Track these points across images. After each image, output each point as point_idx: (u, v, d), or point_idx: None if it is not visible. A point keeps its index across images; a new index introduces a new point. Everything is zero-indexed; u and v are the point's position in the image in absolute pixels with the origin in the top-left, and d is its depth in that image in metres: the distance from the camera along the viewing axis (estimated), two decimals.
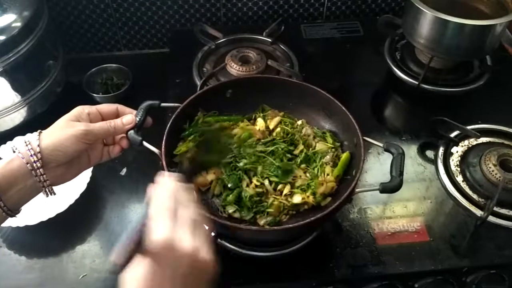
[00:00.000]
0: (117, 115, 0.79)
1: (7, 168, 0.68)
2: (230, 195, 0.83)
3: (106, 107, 0.78)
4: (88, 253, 0.92)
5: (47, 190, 0.72)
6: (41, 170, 0.69)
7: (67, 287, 0.87)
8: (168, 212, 0.56)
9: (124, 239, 0.54)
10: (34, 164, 0.69)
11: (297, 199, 0.83)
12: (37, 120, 0.74)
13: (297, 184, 0.85)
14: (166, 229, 0.54)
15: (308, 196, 0.83)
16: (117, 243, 0.54)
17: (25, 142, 0.70)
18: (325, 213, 0.75)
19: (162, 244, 0.53)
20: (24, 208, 0.91)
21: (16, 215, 0.71)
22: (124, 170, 1.06)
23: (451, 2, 1.17)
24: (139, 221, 0.56)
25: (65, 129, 0.72)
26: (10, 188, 0.68)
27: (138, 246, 0.54)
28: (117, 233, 0.95)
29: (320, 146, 0.91)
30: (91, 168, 0.98)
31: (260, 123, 0.94)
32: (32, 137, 0.71)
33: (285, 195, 0.84)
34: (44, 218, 0.92)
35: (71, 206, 0.94)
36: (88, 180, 0.98)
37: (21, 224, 0.91)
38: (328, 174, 0.86)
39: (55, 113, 0.75)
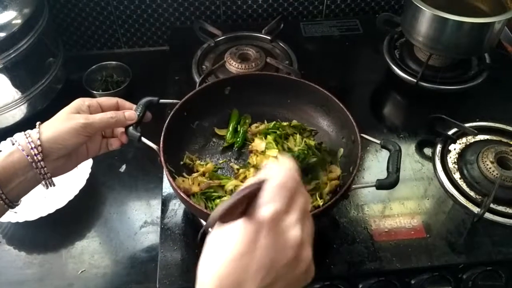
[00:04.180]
0: (117, 109, 0.79)
1: (7, 160, 0.69)
2: (220, 199, 0.83)
3: (107, 100, 0.79)
4: (87, 248, 0.92)
5: (47, 182, 0.73)
6: (41, 162, 0.70)
7: (66, 283, 0.88)
8: (289, 190, 0.48)
9: (234, 196, 0.46)
10: (35, 157, 0.69)
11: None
12: (37, 117, 0.74)
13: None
14: (280, 205, 0.47)
15: (316, 199, 0.84)
16: (224, 202, 0.46)
17: (25, 135, 0.70)
18: (321, 209, 0.75)
19: (271, 218, 0.46)
20: (23, 203, 0.92)
21: (16, 206, 0.72)
22: (124, 166, 1.06)
23: (450, 0, 1.18)
24: (249, 187, 0.48)
25: (65, 121, 0.72)
26: (11, 181, 0.69)
27: (241, 215, 0.47)
28: (116, 229, 0.96)
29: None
30: (90, 164, 0.99)
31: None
32: (32, 130, 0.71)
33: None
34: (44, 213, 0.92)
35: (70, 202, 0.94)
36: (87, 176, 0.98)
37: (21, 220, 0.91)
38: (330, 171, 0.88)
39: (55, 110, 0.76)
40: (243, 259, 0.45)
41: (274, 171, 0.50)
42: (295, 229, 0.47)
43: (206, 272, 0.46)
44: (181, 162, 0.90)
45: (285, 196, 0.48)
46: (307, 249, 0.48)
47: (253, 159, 0.90)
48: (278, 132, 0.92)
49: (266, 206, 0.47)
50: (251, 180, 0.50)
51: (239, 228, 0.46)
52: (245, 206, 0.47)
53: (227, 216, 0.46)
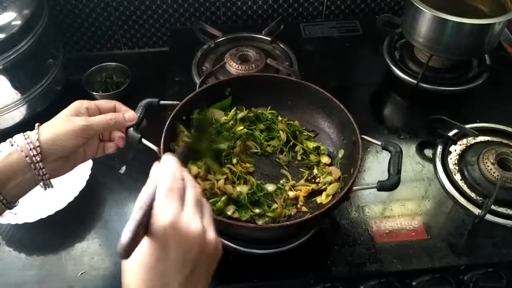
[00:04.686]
0: (115, 112, 0.79)
1: (5, 161, 0.68)
2: (219, 201, 0.82)
3: (105, 103, 0.79)
4: (87, 250, 0.92)
5: (45, 183, 0.72)
6: (40, 164, 0.70)
7: (66, 284, 0.87)
8: (176, 192, 0.53)
9: (130, 222, 0.49)
10: (34, 158, 0.69)
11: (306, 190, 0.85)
12: (37, 118, 0.74)
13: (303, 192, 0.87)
14: (173, 210, 0.51)
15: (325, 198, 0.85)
16: (124, 227, 0.49)
17: (24, 136, 0.70)
18: (322, 211, 0.75)
19: (170, 227, 0.50)
20: (23, 205, 0.92)
21: (14, 207, 0.71)
22: (124, 168, 1.06)
23: (450, 1, 1.17)
24: (145, 202, 0.52)
25: (64, 123, 0.72)
26: (9, 182, 0.69)
27: (145, 229, 0.50)
28: (116, 230, 0.95)
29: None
30: (90, 166, 0.99)
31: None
32: (31, 131, 0.71)
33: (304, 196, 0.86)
34: (43, 215, 0.92)
35: (70, 203, 0.94)
36: (87, 177, 0.98)
37: (20, 221, 0.91)
38: (330, 173, 0.88)
39: (55, 111, 0.76)
40: (159, 267, 0.50)
41: (160, 175, 0.55)
42: (194, 222, 0.52)
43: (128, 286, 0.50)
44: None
45: (175, 199, 0.52)
46: (209, 231, 0.53)
47: None
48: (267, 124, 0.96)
49: (162, 217, 0.50)
50: (143, 190, 0.54)
51: (145, 249, 0.50)
52: (145, 223, 0.50)
53: (132, 244, 0.49)
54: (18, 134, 0.72)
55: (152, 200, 0.52)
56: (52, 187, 0.74)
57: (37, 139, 0.70)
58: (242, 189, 0.85)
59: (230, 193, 0.84)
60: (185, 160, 0.63)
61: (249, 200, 0.83)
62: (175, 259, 0.50)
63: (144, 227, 0.50)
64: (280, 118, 0.97)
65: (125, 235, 0.48)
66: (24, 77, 1.08)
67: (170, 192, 0.52)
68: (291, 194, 0.86)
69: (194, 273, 0.51)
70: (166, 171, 0.55)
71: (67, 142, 0.72)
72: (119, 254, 0.48)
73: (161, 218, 0.50)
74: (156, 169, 0.56)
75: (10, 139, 0.72)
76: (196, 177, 0.86)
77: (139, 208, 0.51)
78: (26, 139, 0.70)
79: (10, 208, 0.71)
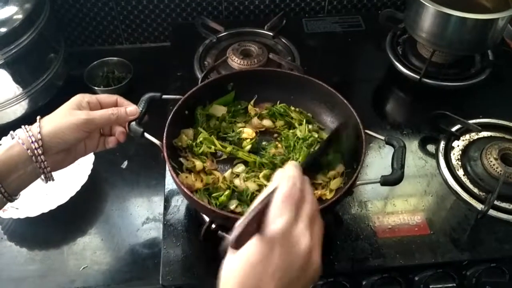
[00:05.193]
0: (116, 106, 0.79)
1: (7, 154, 0.68)
2: (223, 195, 0.82)
3: (106, 98, 0.78)
4: (89, 245, 0.92)
5: (46, 176, 0.72)
6: (41, 156, 0.70)
7: (68, 279, 0.87)
8: (294, 201, 0.52)
9: (244, 218, 0.50)
10: (35, 151, 0.69)
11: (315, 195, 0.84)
12: (39, 113, 0.74)
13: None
14: (288, 218, 0.51)
15: (325, 193, 0.84)
16: (239, 220, 0.51)
17: (25, 129, 0.70)
18: (325, 206, 0.75)
19: (280, 233, 0.50)
20: (25, 200, 0.92)
21: (15, 200, 0.71)
22: (125, 163, 1.06)
23: None
24: (261, 202, 0.52)
25: (66, 117, 0.72)
26: (10, 174, 0.69)
27: (258, 228, 0.52)
28: (118, 225, 0.95)
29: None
30: (92, 161, 0.99)
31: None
32: (32, 124, 0.71)
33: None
34: (45, 210, 0.92)
35: (72, 198, 0.94)
36: (89, 172, 0.98)
37: (22, 216, 0.91)
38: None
39: (56, 106, 0.76)
40: (258, 267, 0.49)
41: (281, 179, 0.54)
42: (304, 238, 0.51)
43: (226, 283, 0.51)
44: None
45: (291, 208, 0.52)
46: (316, 252, 0.52)
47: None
48: (286, 118, 0.95)
49: (275, 222, 0.51)
50: (262, 194, 0.54)
51: (253, 245, 0.50)
52: (257, 222, 0.51)
53: (243, 236, 0.50)
54: (20, 129, 0.72)
55: (269, 202, 0.52)
56: (53, 180, 0.74)
57: (39, 132, 0.70)
58: (251, 185, 0.84)
59: (235, 187, 0.83)
60: (310, 171, 0.61)
61: (251, 198, 0.83)
62: (277, 265, 0.50)
63: (257, 226, 0.51)
64: (292, 108, 0.96)
65: (236, 230, 0.50)
66: (26, 71, 1.08)
67: (287, 199, 0.52)
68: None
69: (287, 287, 0.51)
70: (288, 178, 0.54)
71: (69, 135, 0.72)
72: (230, 245, 0.51)
73: (274, 222, 0.51)
74: (279, 173, 0.56)
75: (11, 132, 0.71)
76: (199, 172, 0.86)
77: (255, 207, 0.52)
78: (27, 132, 0.69)
79: (11, 201, 0.70)
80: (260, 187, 0.84)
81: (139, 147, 1.07)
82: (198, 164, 0.85)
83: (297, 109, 0.97)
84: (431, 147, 1.04)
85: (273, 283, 0.50)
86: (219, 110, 0.94)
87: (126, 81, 1.18)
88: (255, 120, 0.94)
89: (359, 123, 0.84)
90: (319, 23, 1.36)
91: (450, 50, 1.13)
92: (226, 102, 0.96)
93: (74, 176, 0.98)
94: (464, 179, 0.97)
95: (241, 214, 0.81)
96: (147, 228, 0.95)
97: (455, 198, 0.94)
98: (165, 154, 0.78)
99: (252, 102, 0.98)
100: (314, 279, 0.53)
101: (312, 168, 0.65)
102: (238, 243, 0.50)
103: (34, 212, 0.92)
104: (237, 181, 0.85)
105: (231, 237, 0.50)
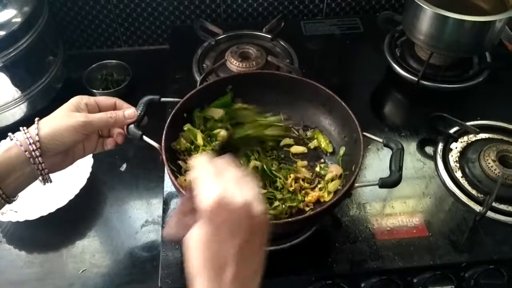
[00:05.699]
0: (115, 109, 0.79)
1: (5, 156, 0.68)
2: None
3: (105, 100, 0.78)
4: (88, 248, 0.92)
5: (44, 177, 0.72)
6: (39, 158, 0.70)
7: (67, 282, 0.87)
8: (212, 173, 0.56)
9: (174, 211, 0.55)
10: (33, 153, 0.69)
11: (312, 196, 0.85)
12: (37, 116, 0.74)
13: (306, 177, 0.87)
14: (215, 186, 0.54)
15: (324, 195, 0.85)
16: (168, 216, 0.55)
17: (23, 130, 0.70)
18: (324, 208, 0.75)
19: (215, 201, 0.52)
20: (24, 203, 0.92)
21: (13, 202, 0.71)
22: (124, 165, 1.06)
23: None
24: (184, 193, 0.56)
25: (64, 119, 0.72)
26: (8, 176, 0.68)
27: (192, 214, 0.55)
28: (117, 228, 0.95)
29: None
30: (91, 163, 0.99)
31: None
32: (30, 126, 0.71)
33: (301, 194, 0.86)
34: (44, 213, 0.92)
35: (71, 201, 0.94)
36: (88, 175, 0.98)
37: (21, 219, 0.91)
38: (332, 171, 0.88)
39: (55, 108, 0.75)
40: (213, 243, 0.53)
41: (194, 166, 0.58)
42: (236, 196, 0.53)
43: (192, 268, 0.54)
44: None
45: (213, 176, 0.55)
46: (255, 204, 0.54)
47: None
48: None
49: (204, 197, 0.53)
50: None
51: (198, 230, 0.54)
52: (192, 206, 0.56)
53: (185, 226, 0.55)
54: (18, 132, 0.72)
55: (192, 190, 0.56)
56: (51, 182, 0.74)
57: (37, 134, 0.70)
58: None
59: None
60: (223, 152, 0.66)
61: None
62: (226, 232, 0.53)
63: (193, 213, 0.55)
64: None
65: (170, 221, 0.56)
66: (24, 74, 1.08)
67: (208, 176, 0.55)
68: (297, 204, 0.85)
69: (247, 244, 0.54)
70: (199, 164, 0.58)
71: (67, 137, 0.72)
72: (165, 237, 0.57)
73: (204, 199, 0.53)
74: (191, 170, 0.59)
75: (10, 133, 0.72)
76: None
77: (181, 198, 0.57)
78: (25, 133, 0.69)
79: (9, 203, 0.70)
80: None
81: (138, 150, 1.07)
82: None
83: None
84: (429, 149, 1.05)
85: (231, 248, 0.53)
86: (216, 112, 0.94)
87: (124, 83, 1.19)
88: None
89: (357, 125, 0.84)
90: (317, 26, 1.36)
91: (448, 52, 1.13)
92: (223, 104, 0.96)
93: (73, 179, 0.98)
94: (462, 181, 0.97)
95: None
96: (146, 230, 0.95)
97: (453, 200, 0.95)
98: (164, 157, 0.78)
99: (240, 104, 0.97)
100: (265, 226, 0.56)
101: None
102: (172, 238, 0.57)
103: (33, 215, 0.92)
104: None
105: (165, 232, 0.57)
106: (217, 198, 0.53)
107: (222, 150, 0.85)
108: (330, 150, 0.93)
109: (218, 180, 0.55)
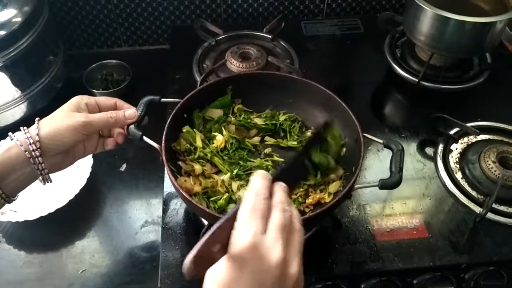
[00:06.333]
0: (115, 109, 0.79)
1: (5, 156, 0.68)
2: (221, 199, 0.82)
3: (105, 100, 0.78)
4: (88, 248, 0.92)
5: (44, 177, 0.72)
6: (39, 158, 0.70)
7: (66, 282, 0.87)
8: (258, 213, 0.49)
9: (204, 238, 0.47)
10: (33, 153, 0.69)
11: (313, 198, 0.84)
12: (37, 116, 0.74)
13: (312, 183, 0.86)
14: (254, 232, 0.47)
15: (324, 196, 0.84)
16: (197, 244, 0.47)
17: (24, 130, 0.70)
18: (324, 209, 0.75)
19: (248, 249, 0.47)
20: (23, 203, 0.92)
21: (13, 201, 0.71)
22: (124, 166, 1.06)
23: None
24: (223, 219, 0.49)
25: (64, 119, 0.72)
26: (8, 176, 0.69)
27: (226, 248, 0.48)
28: (116, 228, 0.95)
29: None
30: (91, 164, 0.99)
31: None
32: (30, 126, 0.71)
33: (301, 196, 0.85)
34: (44, 213, 0.92)
35: (71, 201, 0.94)
36: (88, 175, 0.98)
37: (21, 219, 0.91)
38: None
39: (55, 108, 0.76)
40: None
41: (246, 194, 0.51)
42: (275, 250, 0.47)
43: None
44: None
45: (257, 221, 0.48)
46: (293, 265, 0.49)
47: None
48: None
49: (241, 238, 0.47)
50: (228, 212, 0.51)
51: (221, 266, 0.48)
52: (223, 241, 0.48)
53: (202, 259, 0.47)
54: (19, 132, 0.72)
55: (234, 218, 0.49)
56: (51, 181, 0.74)
57: (37, 134, 0.70)
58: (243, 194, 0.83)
59: (234, 191, 0.83)
60: (288, 178, 0.57)
61: None
62: (249, 284, 0.47)
63: (224, 245, 0.48)
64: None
65: (188, 257, 0.47)
66: (25, 74, 1.08)
67: (253, 211, 0.49)
68: (297, 206, 0.84)
69: None
70: (251, 189, 0.52)
71: (67, 137, 0.72)
72: (183, 270, 0.47)
73: (241, 238, 0.47)
74: (244, 193, 0.53)
75: (10, 133, 0.71)
76: (198, 175, 0.86)
77: (214, 226, 0.48)
78: (25, 133, 0.70)
79: (9, 202, 0.71)
80: None
81: (138, 150, 1.07)
82: (197, 167, 0.85)
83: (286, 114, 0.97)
84: (429, 150, 1.04)
85: None
86: (216, 113, 0.94)
87: (125, 83, 1.18)
88: (231, 127, 0.94)
89: (358, 126, 0.84)
90: (318, 26, 1.36)
91: (449, 53, 1.13)
92: (223, 104, 0.96)
93: (72, 179, 0.98)
94: (463, 182, 0.97)
95: None
96: (145, 231, 0.95)
97: (454, 201, 0.95)
98: (164, 158, 0.78)
99: (240, 104, 0.98)
100: None
101: (289, 175, 0.60)
102: (197, 267, 0.47)
103: (32, 216, 0.92)
104: (234, 186, 0.85)
105: (185, 261, 0.46)
106: (251, 245, 0.47)
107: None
108: (342, 141, 0.90)
109: (262, 222, 0.49)
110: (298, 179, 0.70)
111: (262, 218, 0.49)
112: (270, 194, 0.53)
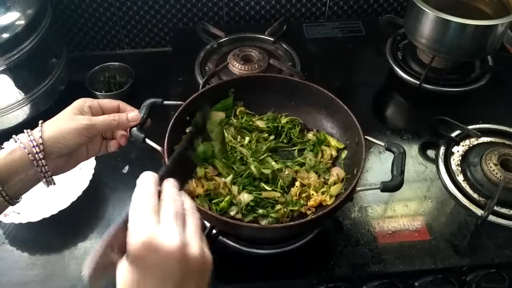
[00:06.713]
0: (118, 112, 0.79)
1: (9, 158, 0.69)
2: (223, 201, 0.82)
3: (108, 103, 0.79)
4: (90, 250, 0.92)
5: (48, 180, 0.73)
6: (43, 161, 0.70)
7: (69, 283, 0.87)
8: (148, 209, 0.50)
9: (99, 246, 0.48)
10: (37, 155, 0.69)
11: (315, 201, 0.84)
12: (40, 118, 0.74)
13: (312, 185, 0.86)
14: (146, 226, 0.48)
15: (326, 199, 0.84)
16: (91, 251, 0.48)
17: (27, 133, 0.70)
18: (325, 212, 0.75)
19: (143, 243, 0.47)
20: (26, 205, 0.92)
21: (17, 203, 0.72)
22: (127, 167, 1.06)
23: (453, 2, 1.18)
24: (115, 224, 0.50)
25: (68, 121, 0.72)
26: (12, 178, 0.69)
27: (119, 252, 0.49)
28: None
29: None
30: (93, 165, 0.99)
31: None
32: (34, 129, 0.71)
33: (302, 197, 0.85)
34: (47, 215, 0.92)
35: (73, 203, 0.94)
36: (90, 177, 0.98)
37: (24, 221, 0.91)
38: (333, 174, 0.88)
39: (58, 111, 0.76)
40: None
41: (133, 195, 0.52)
42: (171, 237, 0.48)
43: None
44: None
45: (146, 215, 0.49)
46: (193, 246, 0.49)
47: None
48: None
49: (134, 236, 0.48)
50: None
51: (121, 271, 0.48)
52: (123, 243, 0.49)
53: (103, 266, 0.48)
54: (22, 133, 0.72)
55: (127, 221, 0.50)
56: (54, 184, 0.75)
57: (40, 137, 0.70)
58: (246, 197, 0.83)
59: (234, 195, 0.84)
60: (178, 166, 0.60)
61: (246, 210, 0.83)
62: (154, 280, 0.47)
63: (123, 248, 0.49)
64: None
65: (85, 270, 0.47)
66: (28, 76, 1.09)
67: (142, 209, 0.50)
68: (299, 208, 0.85)
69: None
70: (137, 189, 0.53)
71: (70, 140, 0.72)
72: (86, 279, 0.48)
73: (134, 236, 0.48)
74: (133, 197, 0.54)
75: (14, 136, 0.72)
76: (200, 178, 0.86)
77: (105, 235, 0.49)
78: (29, 136, 0.70)
79: (12, 204, 0.71)
80: (256, 198, 0.84)
81: (141, 152, 1.07)
82: (200, 170, 0.85)
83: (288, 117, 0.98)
84: (431, 153, 1.05)
85: None
86: (218, 115, 0.95)
87: (127, 86, 1.19)
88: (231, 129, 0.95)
89: (359, 128, 0.84)
90: (319, 29, 1.37)
91: (450, 55, 1.13)
92: (225, 107, 0.96)
93: (75, 181, 0.98)
94: (464, 185, 0.97)
95: (241, 220, 0.82)
96: None
97: (455, 203, 0.95)
98: (166, 160, 0.78)
99: (242, 107, 0.98)
100: (204, 270, 0.51)
101: (176, 171, 0.61)
102: (100, 274, 0.48)
103: (35, 217, 0.92)
104: (234, 190, 0.85)
105: (84, 273, 0.47)
106: (146, 240, 0.47)
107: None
108: (341, 146, 0.92)
109: (153, 216, 0.49)
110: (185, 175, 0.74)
111: (153, 212, 0.50)
112: (159, 193, 0.54)
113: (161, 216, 0.50)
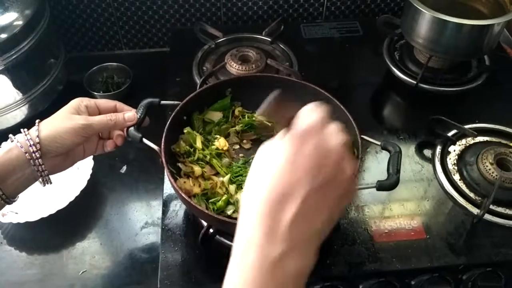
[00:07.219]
0: (115, 112, 0.80)
1: (5, 157, 0.69)
2: (220, 201, 0.83)
3: (105, 103, 0.79)
4: (88, 249, 0.93)
5: (44, 179, 0.73)
6: (39, 160, 0.70)
7: (67, 283, 0.88)
8: (316, 119, 0.49)
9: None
10: (33, 154, 0.70)
11: None
12: (38, 118, 0.75)
13: None
14: (320, 118, 0.48)
15: None
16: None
17: (24, 132, 0.71)
18: None
19: (313, 127, 0.48)
20: (24, 204, 0.92)
21: (13, 202, 0.72)
22: (124, 167, 1.06)
23: (450, 2, 1.18)
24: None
25: (64, 121, 0.73)
26: (9, 177, 0.69)
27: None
28: (117, 230, 0.96)
29: None
30: (91, 165, 1.00)
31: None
32: (31, 128, 0.72)
33: None
34: (45, 214, 0.92)
35: (71, 203, 0.94)
36: (88, 177, 0.99)
37: (22, 220, 0.92)
38: None
39: (56, 111, 0.77)
40: (293, 163, 0.46)
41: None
42: (337, 135, 0.48)
43: (253, 191, 0.48)
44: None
45: (318, 111, 0.49)
46: (349, 162, 0.49)
47: None
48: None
49: (308, 116, 0.49)
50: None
51: (285, 142, 0.48)
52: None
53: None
54: (20, 134, 0.72)
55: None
56: (51, 183, 0.75)
57: (37, 136, 0.70)
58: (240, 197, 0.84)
59: (231, 194, 0.84)
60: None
61: None
62: (310, 158, 0.46)
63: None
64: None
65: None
66: (26, 77, 1.09)
67: (311, 114, 0.50)
68: None
69: (325, 191, 0.47)
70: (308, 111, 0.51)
71: (67, 139, 0.73)
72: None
73: (307, 117, 0.49)
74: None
75: (11, 135, 0.72)
76: (198, 177, 0.86)
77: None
78: (26, 135, 0.70)
79: (9, 203, 0.71)
80: None
81: (138, 152, 1.08)
82: (197, 169, 0.86)
83: None
84: (427, 152, 1.05)
85: (307, 181, 0.46)
86: (215, 115, 0.95)
87: (125, 86, 1.19)
88: (232, 132, 0.95)
89: (356, 128, 0.85)
90: (317, 29, 1.37)
91: (447, 55, 1.14)
92: (223, 107, 0.97)
93: (73, 181, 0.98)
94: (460, 184, 0.97)
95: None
96: (145, 232, 0.95)
97: (451, 202, 0.95)
98: (164, 160, 0.79)
99: (239, 107, 0.99)
100: (352, 186, 0.50)
101: None
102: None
103: (33, 217, 0.92)
104: (232, 189, 0.85)
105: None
106: (317, 123, 0.48)
107: None
108: None
109: (320, 124, 0.49)
110: None
111: (320, 124, 0.49)
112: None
113: (326, 127, 0.50)
